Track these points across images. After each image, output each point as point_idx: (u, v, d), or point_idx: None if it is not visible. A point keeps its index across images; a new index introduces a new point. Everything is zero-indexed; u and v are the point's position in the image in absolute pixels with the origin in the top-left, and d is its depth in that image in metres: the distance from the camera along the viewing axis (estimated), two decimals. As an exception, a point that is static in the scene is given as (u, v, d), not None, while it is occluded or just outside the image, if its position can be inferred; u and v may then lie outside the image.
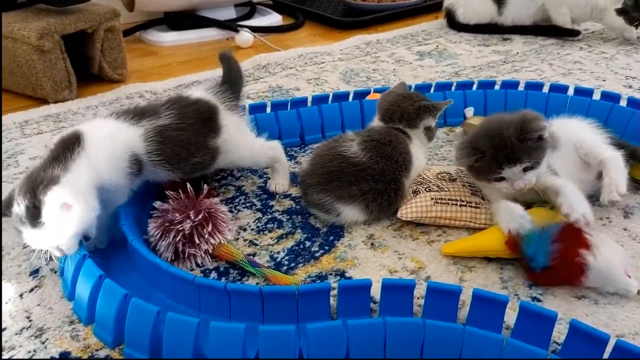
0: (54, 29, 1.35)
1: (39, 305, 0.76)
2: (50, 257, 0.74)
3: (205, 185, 0.89)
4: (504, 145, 0.81)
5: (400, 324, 0.63)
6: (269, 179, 1.03)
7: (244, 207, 0.97)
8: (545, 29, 1.88)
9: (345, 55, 1.73)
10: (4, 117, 1.32)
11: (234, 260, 0.81)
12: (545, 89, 1.27)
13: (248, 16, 2.04)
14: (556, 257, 0.74)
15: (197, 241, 0.81)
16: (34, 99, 1.43)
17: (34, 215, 0.68)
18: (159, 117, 0.86)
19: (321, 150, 0.94)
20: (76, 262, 0.72)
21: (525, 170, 0.81)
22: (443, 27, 2.01)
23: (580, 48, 1.77)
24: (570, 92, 1.25)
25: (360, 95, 1.26)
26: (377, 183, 0.89)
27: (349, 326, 0.62)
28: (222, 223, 0.85)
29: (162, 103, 0.90)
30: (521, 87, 1.30)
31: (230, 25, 1.90)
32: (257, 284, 0.79)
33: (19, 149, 1.19)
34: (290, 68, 1.61)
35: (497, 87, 1.32)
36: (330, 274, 0.81)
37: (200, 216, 0.82)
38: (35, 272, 0.83)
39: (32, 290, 0.79)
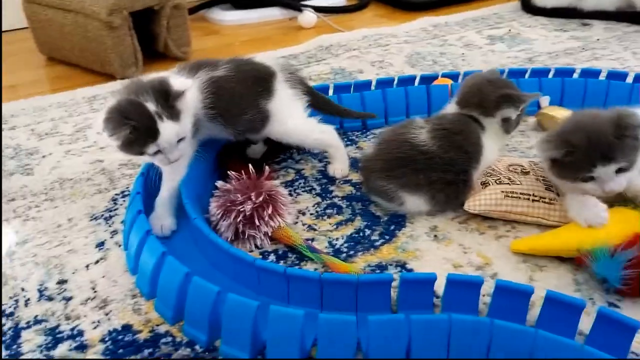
0: (123, 4, 1.37)
1: (103, 277, 0.78)
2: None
3: (267, 167, 0.88)
4: (600, 142, 0.74)
5: (466, 322, 0.59)
6: (329, 163, 1.00)
7: (303, 191, 0.96)
8: (629, 15, 1.74)
9: (411, 38, 1.67)
10: (72, 92, 1.36)
11: (293, 244, 0.80)
12: (630, 79, 1.17)
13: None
14: (630, 281, 0.68)
15: (257, 223, 0.80)
16: (101, 75, 1.46)
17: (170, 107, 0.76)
18: (215, 69, 0.88)
19: (388, 135, 0.90)
20: (140, 237, 0.73)
21: (618, 171, 0.75)
22: (517, 10, 1.91)
23: (668, 36, 1.63)
24: (659, 82, 1.15)
25: (427, 79, 1.21)
26: (445, 173, 0.84)
27: (412, 321, 0.59)
28: (282, 206, 0.84)
29: (224, 60, 0.92)
30: (602, 77, 1.20)
31: (294, 4, 1.88)
32: (316, 269, 0.77)
33: (87, 123, 1.23)
34: (354, 50, 1.57)
35: (575, 75, 1.23)
36: (391, 265, 0.78)
37: (261, 198, 0.81)
38: (101, 245, 0.85)
39: (97, 262, 0.81)
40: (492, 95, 0.90)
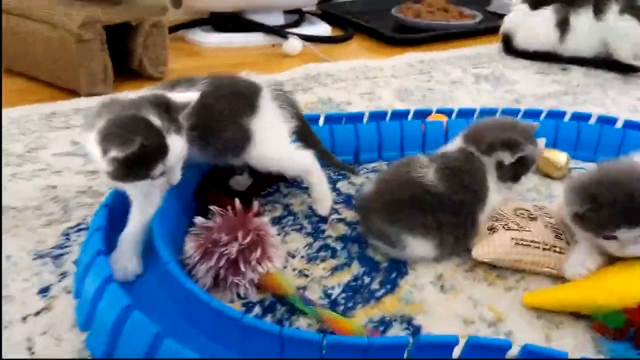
0: (98, 18, 1.27)
1: (44, 333, 0.65)
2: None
3: (256, 202, 0.78)
4: (631, 205, 0.68)
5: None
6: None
7: (292, 230, 0.87)
8: (606, 62, 1.76)
9: (398, 72, 1.63)
10: (27, 108, 1.23)
11: (283, 293, 0.70)
12: (619, 125, 1.16)
13: (296, 24, 1.96)
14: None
15: (242, 268, 0.70)
16: (62, 91, 1.34)
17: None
18: (193, 84, 0.80)
19: (389, 174, 0.83)
20: (98, 284, 0.61)
21: None
22: (499, 52, 1.90)
23: (646, 84, 1.65)
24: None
25: (421, 114, 1.16)
26: (455, 216, 0.77)
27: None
28: (271, 248, 0.74)
29: (201, 77, 0.84)
30: (592, 121, 1.18)
31: (280, 31, 1.82)
32: (310, 326, 0.68)
33: (42, 143, 1.10)
34: (342, 81, 1.51)
35: (567, 118, 1.20)
36: (395, 320, 0.70)
37: (249, 238, 0.72)
38: (45, 290, 0.71)
39: (38, 313, 0.67)
40: (491, 135, 0.84)
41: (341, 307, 0.71)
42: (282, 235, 0.84)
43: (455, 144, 0.88)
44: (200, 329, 0.63)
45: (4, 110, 1.21)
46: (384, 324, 0.69)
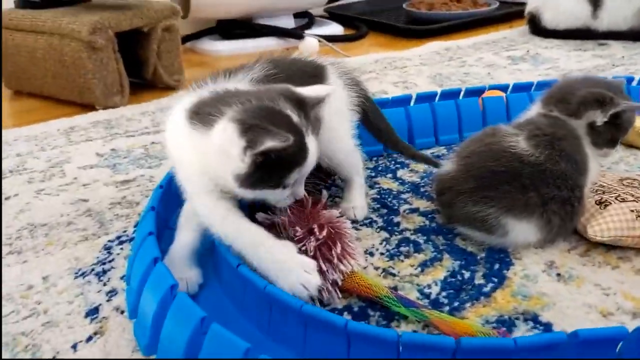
0: (108, 24, 1.16)
1: (102, 361, 0.53)
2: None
3: (325, 192, 0.66)
4: None
5: None
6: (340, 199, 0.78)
7: (361, 225, 0.74)
8: (644, 34, 1.65)
9: (427, 60, 1.52)
10: (44, 125, 1.12)
11: (375, 296, 0.57)
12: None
13: (307, 26, 1.86)
14: None
15: (323, 267, 0.57)
16: (78, 106, 1.23)
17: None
18: (251, 70, 0.66)
19: (475, 145, 0.70)
20: (160, 297, 0.49)
21: None
22: (526, 34, 1.79)
23: (691, 52, 1.53)
24: None
25: (474, 93, 1.04)
26: (560, 189, 0.64)
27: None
28: (349, 244, 0.61)
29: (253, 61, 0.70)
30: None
31: (294, 32, 1.71)
32: (415, 332, 0.54)
33: (64, 157, 0.98)
34: (370, 72, 1.40)
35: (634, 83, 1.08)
36: (517, 318, 0.56)
37: (324, 232, 0.59)
38: (93, 312, 0.59)
39: (90, 338, 0.56)
40: (579, 92, 0.71)
41: (446, 308, 0.58)
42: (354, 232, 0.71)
43: (534, 111, 0.76)
44: (283, 343, 0.50)
45: (18, 130, 1.09)
46: (504, 323, 0.55)
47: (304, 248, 0.57)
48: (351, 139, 0.75)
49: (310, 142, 0.56)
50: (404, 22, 1.95)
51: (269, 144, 0.50)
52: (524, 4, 1.85)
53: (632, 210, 0.65)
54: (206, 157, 0.55)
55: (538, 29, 1.77)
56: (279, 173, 0.54)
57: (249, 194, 0.56)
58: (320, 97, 0.59)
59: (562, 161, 0.66)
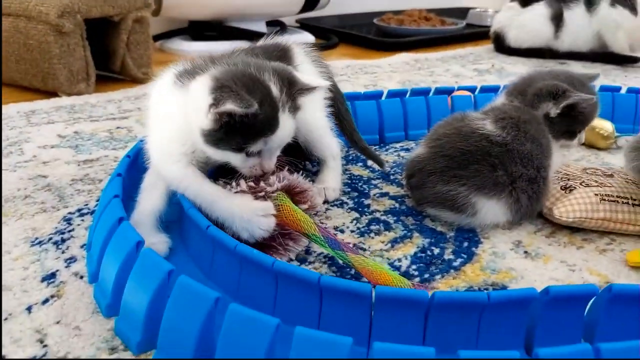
0: (77, 8, 1.13)
1: (58, 323, 0.50)
2: None
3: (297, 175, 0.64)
4: None
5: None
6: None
7: (332, 206, 0.73)
8: (603, 55, 1.73)
9: (396, 69, 1.55)
10: (5, 107, 1.08)
11: (303, 232, 0.57)
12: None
13: (279, 34, 1.86)
14: None
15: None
16: (41, 93, 1.19)
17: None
18: (232, 55, 0.69)
19: (444, 129, 0.71)
20: (125, 254, 0.47)
21: None
22: (491, 52, 1.86)
23: (647, 73, 1.62)
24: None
25: (443, 92, 1.06)
26: (527, 168, 0.66)
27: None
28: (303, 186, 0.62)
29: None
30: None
31: (264, 36, 1.71)
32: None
33: (23, 137, 0.94)
34: (342, 75, 1.41)
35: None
36: (486, 289, 0.56)
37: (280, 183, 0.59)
38: (50, 277, 0.56)
39: (46, 301, 0.53)
40: (536, 85, 0.74)
41: (417, 279, 0.57)
42: (324, 211, 0.71)
43: (498, 102, 0.78)
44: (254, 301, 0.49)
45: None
46: (475, 294, 0.55)
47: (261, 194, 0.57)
48: (325, 119, 0.76)
49: (285, 118, 0.57)
50: (375, 36, 1.99)
51: (229, 106, 0.51)
52: (488, 27, 1.93)
53: (596, 194, 0.67)
54: (184, 111, 0.57)
55: (502, 47, 1.83)
56: (242, 138, 0.55)
57: (212, 153, 0.58)
58: (310, 85, 0.60)
59: (527, 142, 0.67)
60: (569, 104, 0.71)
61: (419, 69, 1.56)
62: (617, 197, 0.67)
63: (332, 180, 0.75)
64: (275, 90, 0.56)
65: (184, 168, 0.59)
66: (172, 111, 0.59)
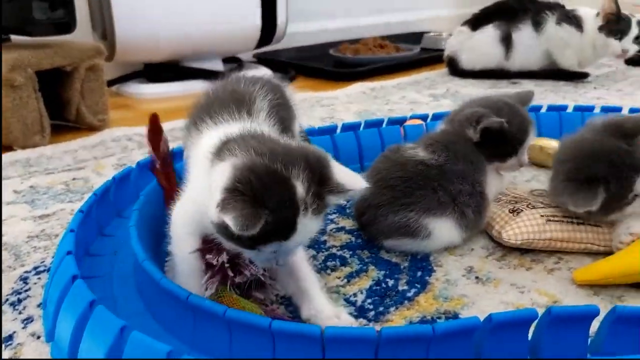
0: (28, 62, 1.13)
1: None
2: None
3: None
4: (625, 156, 0.65)
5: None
6: None
7: (288, 245, 0.73)
8: (553, 72, 1.81)
9: (353, 99, 1.58)
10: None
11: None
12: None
13: (236, 70, 1.89)
14: None
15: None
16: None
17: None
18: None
19: (380, 163, 0.74)
20: (80, 312, 0.47)
21: None
22: (445, 75, 1.92)
23: (594, 88, 1.70)
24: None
25: (396, 122, 1.09)
26: (463, 184, 0.69)
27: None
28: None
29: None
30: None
31: (221, 74, 1.73)
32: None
33: (-24, 196, 0.93)
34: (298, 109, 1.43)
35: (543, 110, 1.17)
36: (439, 318, 0.58)
37: None
38: (7, 340, 0.55)
39: (-1, 367, 0.51)
40: (462, 113, 0.78)
41: (372, 313, 0.58)
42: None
43: (437, 129, 0.81)
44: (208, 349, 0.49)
45: None
46: (427, 323, 0.56)
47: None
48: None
49: (305, 222, 0.49)
50: (332, 66, 2.03)
51: (228, 221, 0.45)
52: (443, 50, 1.99)
53: (542, 215, 0.70)
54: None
55: (456, 70, 1.89)
56: (251, 240, 0.48)
57: (223, 241, 0.52)
58: (345, 188, 0.51)
59: (459, 161, 0.71)
60: (484, 128, 0.72)
61: (375, 98, 1.60)
62: (562, 217, 0.70)
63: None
64: (300, 190, 0.48)
65: (190, 235, 0.56)
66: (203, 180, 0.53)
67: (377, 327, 0.54)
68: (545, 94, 1.61)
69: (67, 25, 1.25)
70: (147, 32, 1.58)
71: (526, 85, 1.74)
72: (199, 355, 0.49)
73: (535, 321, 0.47)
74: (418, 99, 1.59)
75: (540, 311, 0.49)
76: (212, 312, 0.48)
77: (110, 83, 1.70)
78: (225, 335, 0.48)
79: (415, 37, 2.50)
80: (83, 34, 1.49)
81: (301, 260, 0.58)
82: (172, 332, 0.53)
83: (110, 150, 1.14)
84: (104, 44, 1.44)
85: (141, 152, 1.11)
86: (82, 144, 1.18)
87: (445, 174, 0.69)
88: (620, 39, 1.63)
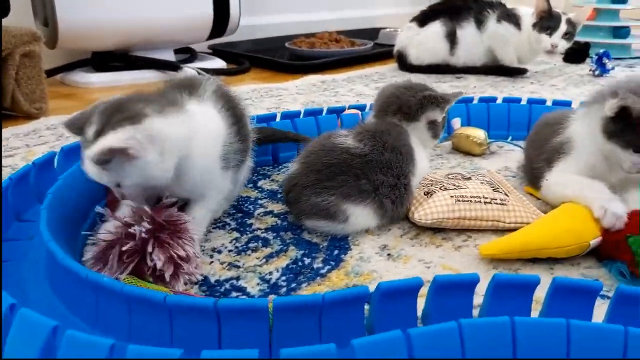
0: (-39, 47, 1.12)
1: None
2: None
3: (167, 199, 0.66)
4: None
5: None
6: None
7: (214, 228, 0.76)
8: (494, 68, 1.88)
9: (302, 90, 1.61)
10: None
11: None
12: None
13: (189, 61, 1.90)
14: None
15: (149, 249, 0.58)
16: None
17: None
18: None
19: (313, 146, 0.77)
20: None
21: None
22: (395, 70, 1.97)
23: (531, 83, 1.77)
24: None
25: (335, 112, 1.12)
26: (387, 175, 0.72)
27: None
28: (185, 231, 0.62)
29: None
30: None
31: (171, 64, 1.74)
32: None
33: None
34: (246, 99, 1.45)
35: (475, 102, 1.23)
36: (347, 291, 0.61)
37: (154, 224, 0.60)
38: None
39: None
40: (413, 99, 0.83)
41: (283, 290, 0.61)
42: (205, 235, 0.73)
43: (370, 120, 0.85)
44: (110, 329, 0.50)
45: None
46: (335, 297, 0.60)
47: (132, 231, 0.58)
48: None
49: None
50: (287, 59, 2.05)
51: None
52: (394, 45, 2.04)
53: (452, 197, 0.74)
54: None
55: (405, 65, 1.94)
56: None
57: None
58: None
59: (386, 152, 0.74)
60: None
61: (324, 90, 1.63)
62: (471, 197, 0.74)
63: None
64: None
65: None
66: None
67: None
68: (485, 88, 1.67)
69: (1, 9, 1.23)
70: (91, 19, 1.56)
71: (469, 79, 1.81)
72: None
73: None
74: (365, 91, 1.63)
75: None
76: (111, 288, 0.49)
77: (55, 71, 1.67)
78: (125, 311, 0.49)
79: (372, 33, 2.55)
80: (23, 20, 1.46)
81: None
82: (76, 313, 0.54)
83: (44, 139, 1.14)
84: (45, 31, 1.43)
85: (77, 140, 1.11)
86: (14, 132, 1.17)
87: (370, 163, 0.72)
88: (550, 34, 1.71)
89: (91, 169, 0.59)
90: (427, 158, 0.84)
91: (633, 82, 0.72)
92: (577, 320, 0.45)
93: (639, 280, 0.62)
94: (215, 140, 0.68)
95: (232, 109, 0.74)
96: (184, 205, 0.69)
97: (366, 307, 0.52)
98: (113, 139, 0.56)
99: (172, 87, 0.72)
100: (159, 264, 0.58)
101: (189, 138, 0.63)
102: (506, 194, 0.77)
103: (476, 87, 1.69)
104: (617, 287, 0.50)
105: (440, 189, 0.76)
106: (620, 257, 0.64)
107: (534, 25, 1.73)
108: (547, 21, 1.71)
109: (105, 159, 0.56)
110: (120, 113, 0.58)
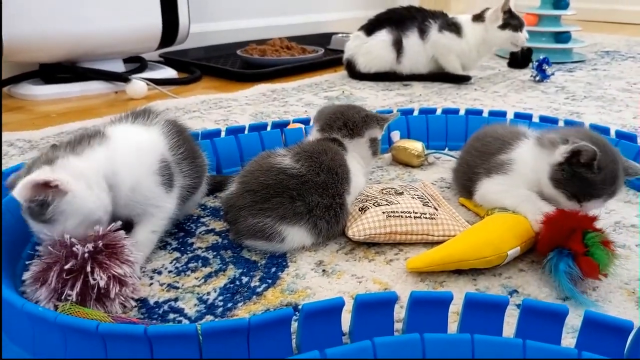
0: None
1: None
2: None
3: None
4: (618, 176, 0.75)
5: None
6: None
7: (155, 249, 0.78)
8: (439, 75, 1.95)
9: (251, 101, 1.63)
10: None
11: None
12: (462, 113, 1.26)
13: (139, 71, 1.88)
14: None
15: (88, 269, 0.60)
16: None
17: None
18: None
19: (250, 166, 0.79)
20: None
21: None
22: (344, 78, 2.01)
23: (475, 89, 1.85)
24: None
25: (279, 125, 1.15)
26: (322, 197, 0.75)
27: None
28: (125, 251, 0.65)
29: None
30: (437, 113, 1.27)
31: (119, 75, 1.72)
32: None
33: None
34: (194, 112, 1.47)
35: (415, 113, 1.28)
36: (281, 310, 0.64)
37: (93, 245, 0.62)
38: None
39: None
40: (358, 117, 0.88)
41: (219, 310, 0.64)
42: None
43: (313, 136, 0.89)
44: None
45: None
46: (270, 316, 0.63)
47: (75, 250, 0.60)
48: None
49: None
50: (238, 67, 2.06)
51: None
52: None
53: (383, 212, 0.78)
54: None
55: (354, 72, 1.99)
56: None
57: None
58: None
59: (322, 173, 0.77)
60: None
61: (274, 100, 1.66)
62: (402, 212, 0.79)
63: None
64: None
65: None
66: None
67: (221, 320, 0.60)
68: (430, 96, 1.73)
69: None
70: (38, 30, 1.54)
71: (416, 86, 1.87)
72: None
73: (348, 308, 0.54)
74: (314, 100, 1.66)
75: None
76: (45, 318, 0.51)
77: (1, 84, 1.64)
78: (60, 340, 0.51)
79: (325, 38, 2.58)
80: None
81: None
82: (14, 341, 0.55)
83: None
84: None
85: (22, 159, 1.10)
86: (-44, 152, 1.14)
87: (306, 184, 0.75)
88: (520, 30, 1.83)
89: (36, 227, 0.62)
90: (363, 174, 0.88)
91: (581, 132, 0.79)
92: (480, 335, 0.49)
93: (583, 282, 0.68)
94: (145, 155, 0.71)
95: (181, 136, 0.79)
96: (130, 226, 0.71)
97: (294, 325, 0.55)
98: (33, 175, 0.58)
99: (120, 118, 0.77)
100: (102, 283, 0.59)
101: (110, 157, 0.66)
102: (435, 208, 0.82)
103: (421, 95, 1.75)
104: (522, 301, 0.55)
105: (373, 204, 0.80)
106: (572, 246, 0.67)
107: (504, 26, 1.83)
108: (512, 20, 1.82)
109: (39, 202, 0.59)
110: (38, 161, 0.63)
